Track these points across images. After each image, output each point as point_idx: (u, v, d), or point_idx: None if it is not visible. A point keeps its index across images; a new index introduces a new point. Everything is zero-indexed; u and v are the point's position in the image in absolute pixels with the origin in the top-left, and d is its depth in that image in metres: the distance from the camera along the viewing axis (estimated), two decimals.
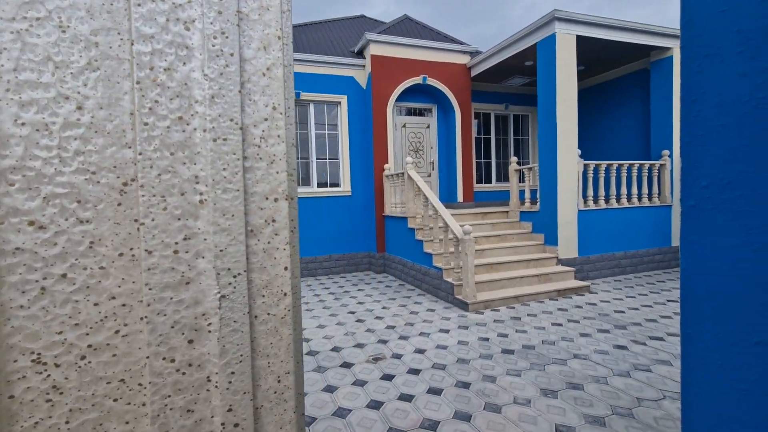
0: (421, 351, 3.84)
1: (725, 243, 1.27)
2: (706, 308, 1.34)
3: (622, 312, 4.87)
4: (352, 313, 5.22)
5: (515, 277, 5.79)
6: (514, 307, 5.22)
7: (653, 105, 7.47)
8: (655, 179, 7.26)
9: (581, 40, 6.52)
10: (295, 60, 7.61)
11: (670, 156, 7.23)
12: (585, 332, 4.21)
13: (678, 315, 4.70)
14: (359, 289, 6.59)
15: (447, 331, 4.38)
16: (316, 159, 8.00)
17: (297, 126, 7.84)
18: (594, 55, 7.51)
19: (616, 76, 8.55)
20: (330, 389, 3.11)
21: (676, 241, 7.39)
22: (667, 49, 7.11)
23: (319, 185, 8.05)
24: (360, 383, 3.20)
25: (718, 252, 1.29)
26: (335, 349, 3.95)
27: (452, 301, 5.46)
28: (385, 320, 4.85)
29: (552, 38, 6.27)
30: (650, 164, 7.18)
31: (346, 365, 3.56)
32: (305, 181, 7.97)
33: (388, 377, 3.29)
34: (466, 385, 3.11)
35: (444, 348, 3.90)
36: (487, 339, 4.11)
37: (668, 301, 5.32)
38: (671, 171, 7.27)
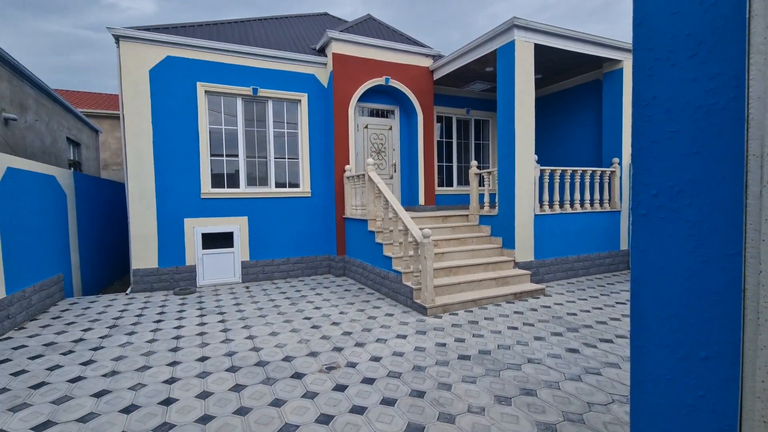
0: (377, 359, 3.73)
1: (674, 253, 1.23)
2: (656, 321, 1.30)
3: (575, 314, 4.99)
4: (308, 318, 5.03)
5: (474, 280, 5.81)
6: (472, 311, 5.22)
7: (605, 114, 7.80)
8: (606, 186, 7.57)
9: (539, 49, 6.68)
10: (251, 54, 7.30)
11: (620, 164, 7.58)
12: (539, 335, 4.25)
13: (626, 317, 4.87)
14: (317, 294, 6.39)
15: (404, 337, 4.29)
16: (275, 158, 7.72)
17: (256, 123, 7.52)
18: (551, 64, 7.74)
19: (572, 85, 8.87)
20: (278, 403, 2.92)
21: (624, 245, 7.75)
22: (618, 61, 7.45)
23: (278, 185, 7.77)
24: (311, 395, 3.03)
25: (667, 262, 1.26)
26: (287, 359, 3.75)
27: (411, 305, 5.39)
28: (342, 326, 4.70)
29: (511, 45, 6.38)
30: (601, 171, 7.48)
31: (298, 376, 3.38)
32: (263, 181, 7.67)
33: (341, 388, 3.15)
34: (420, 394, 3.02)
35: (401, 355, 3.81)
36: (444, 344, 4.06)
37: (617, 303, 5.52)
38: (621, 178, 7.63)
